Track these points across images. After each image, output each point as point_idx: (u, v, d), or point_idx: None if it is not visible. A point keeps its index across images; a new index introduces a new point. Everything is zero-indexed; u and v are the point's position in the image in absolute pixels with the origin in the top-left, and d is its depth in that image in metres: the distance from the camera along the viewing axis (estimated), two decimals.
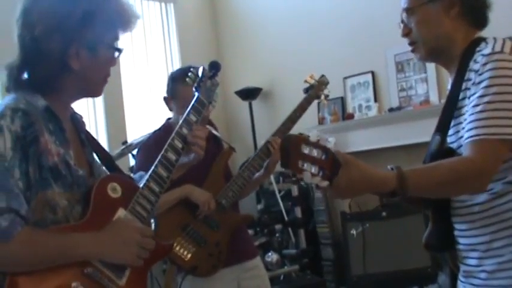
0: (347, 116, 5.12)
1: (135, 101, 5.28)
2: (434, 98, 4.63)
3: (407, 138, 4.60)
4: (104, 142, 4.86)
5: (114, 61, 1.57)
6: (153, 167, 1.66)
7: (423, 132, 4.29)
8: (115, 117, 5.00)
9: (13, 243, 1.29)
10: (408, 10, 1.66)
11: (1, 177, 1.32)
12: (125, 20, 1.55)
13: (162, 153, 1.69)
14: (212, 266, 2.66)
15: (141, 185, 1.61)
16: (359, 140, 4.99)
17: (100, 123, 4.97)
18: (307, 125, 5.24)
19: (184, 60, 5.69)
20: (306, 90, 3.09)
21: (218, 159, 2.80)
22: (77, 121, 1.62)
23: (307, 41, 5.43)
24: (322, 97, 3.13)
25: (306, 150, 1.34)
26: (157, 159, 1.68)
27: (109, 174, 1.61)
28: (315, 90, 3.08)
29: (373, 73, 5.05)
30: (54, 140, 1.44)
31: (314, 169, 1.34)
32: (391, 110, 4.83)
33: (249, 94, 5.71)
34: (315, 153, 1.35)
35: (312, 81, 3.09)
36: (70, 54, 1.46)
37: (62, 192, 1.43)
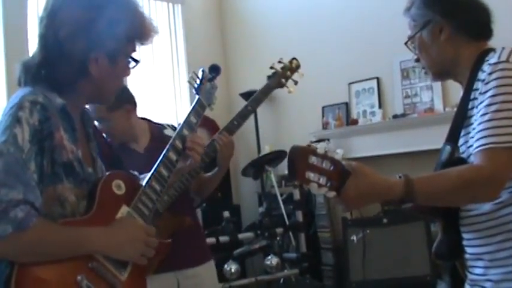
0: (351, 122, 5.12)
1: (139, 101, 5.27)
2: (439, 105, 4.63)
3: (411, 145, 4.61)
4: None
5: (129, 71, 1.61)
6: (155, 166, 1.69)
7: (427, 139, 4.32)
8: None
9: (28, 234, 1.32)
10: (409, 39, 1.71)
11: (19, 169, 1.34)
12: (145, 33, 1.59)
13: (163, 153, 1.73)
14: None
15: (143, 184, 1.65)
16: (363, 146, 4.99)
17: None
18: (310, 130, 5.26)
19: (190, 61, 5.70)
20: (268, 78, 2.72)
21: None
22: (85, 115, 1.65)
23: (313, 46, 5.44)
24: (290, 84, 2.71)
25: (313, 161, 1.35)
26: (159, 159, 1.71)
27: (114, 171, 1.64)
28: (276, 78, 2.72)
29: (378, 79, 5.06)
30: (68, 138, 1.48)
31: (322, 179, 1.35)
32: (395, 116, 4.83)
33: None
34: (322, 164, 1.35)
35: (277, 68, 2.70)
36: (90, 59, 1.49)
37: (71, 188, 1.46)
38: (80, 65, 1.49)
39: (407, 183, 1.41)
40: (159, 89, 5.56)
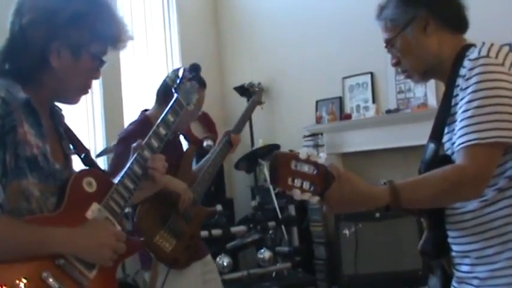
0: (344, 116, 5.13)
1: (133, 95, 5.26)
2: (432, 101, 4.64)
3: (404, 140, 4.62)
4: (101, 135, 4.85)
5: (97, 73, 1.57)
6: (128, 164, 1.66)
7: (420, 135, 4.28)
8: (113, 110, 4.95)
9: None
10: (389, 42, 1.67)
11: None
12: (116, 36, 1.55)
13: (138, 150, 1.70)
14: (188, 259, 2.70)
15: (116, 181, 1.62)
16: (356, 141, 5.00)
17: (97, 116, 4.94)
18: (304, 124, 5.27)
19: (184, 56, 5.68)
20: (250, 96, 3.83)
21: (185, 158, 2.88)
22: (55, 114, 1.62)
23: (307, 40, 5.44)
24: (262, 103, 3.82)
25: (295, 166, 1.34)
26: (133, 157, 1.68)
27: (85, 169, 1.61)
28: (257, 96, 3.72)
29: (372, 74, 5.06)
30: (34, 133, 1.45)
31: (305, 184, 1.34)
32: (388, 111, 4.84)
33: (247, 90, 5.70)
34: (305, 168, 1.34)
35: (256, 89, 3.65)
36: (51, 49, 1.46)
37: (36, 183, 1.44)
38: (40, 55, 1.45)
39: (392, 191, 1.40)
40: (153, 83, 5.54)
